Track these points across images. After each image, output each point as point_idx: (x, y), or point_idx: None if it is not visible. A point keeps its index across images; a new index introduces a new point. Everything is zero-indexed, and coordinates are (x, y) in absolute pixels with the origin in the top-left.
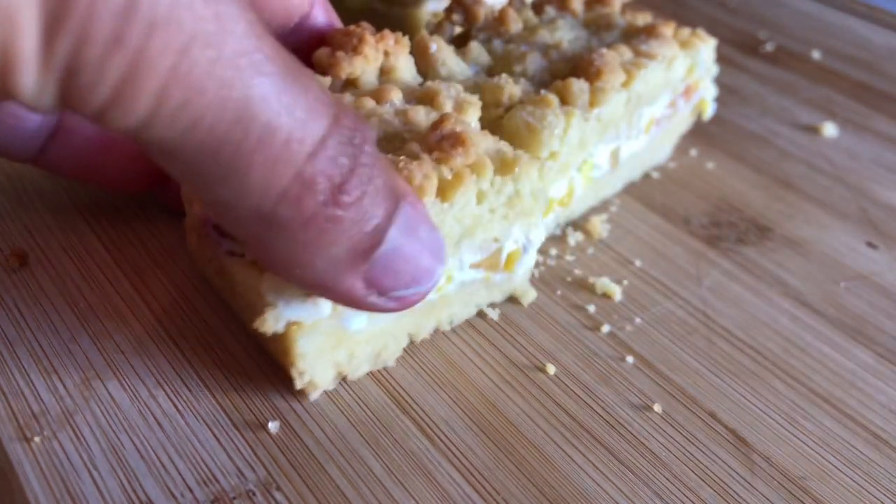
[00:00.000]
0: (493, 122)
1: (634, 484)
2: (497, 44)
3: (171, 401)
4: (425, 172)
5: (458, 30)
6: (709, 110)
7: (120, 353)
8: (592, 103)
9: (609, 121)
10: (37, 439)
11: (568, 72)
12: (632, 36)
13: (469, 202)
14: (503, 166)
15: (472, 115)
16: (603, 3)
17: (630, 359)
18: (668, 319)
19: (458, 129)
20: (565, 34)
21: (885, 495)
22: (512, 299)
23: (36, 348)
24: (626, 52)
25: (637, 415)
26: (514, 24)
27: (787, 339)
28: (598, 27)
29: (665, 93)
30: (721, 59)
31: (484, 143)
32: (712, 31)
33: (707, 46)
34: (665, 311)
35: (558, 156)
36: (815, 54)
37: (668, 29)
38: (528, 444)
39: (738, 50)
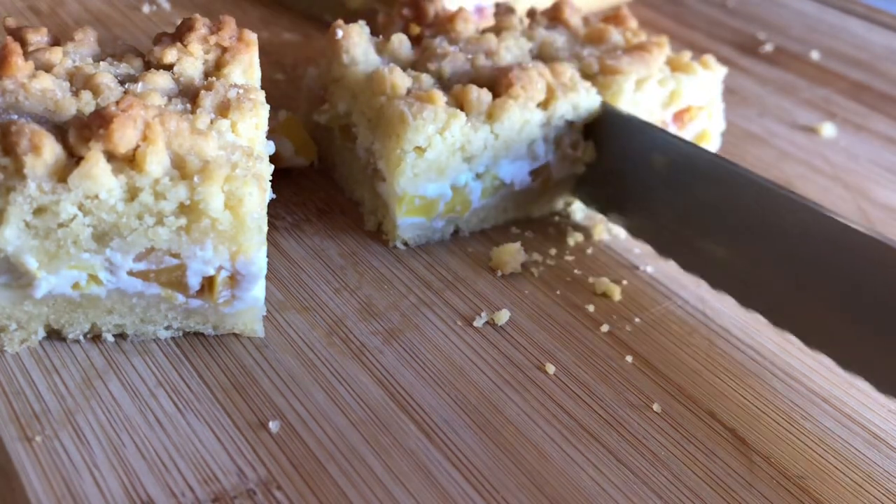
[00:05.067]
0: (377, 111)
1: (633, 483)
2: (438, 42)
3: (172, 400)
4: (36, 142)
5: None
6: (713, 143)
7: (121, 352)
8: (491, 116)
9: (511, 138)
10: (38, 439)
11: (488, 81)
12: (612, 51)
13: (109, 192)
14: (183, 172)
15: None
16: (616, 21)
17: (629, 358)
18: (667, 319)
19: (121, 112)
20: (514, 44)
21: (883, 494)
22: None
23: (37, 347)
24: (583, 68)
25: (636, 414)
26: (465, 26)
27: (786, 339)
28: (591, 42)
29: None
30: (720, 59)
31: (183, 143)
32: (712, 31)
33: (711, 74)
34: (664, 310)
35: (423, 152)
36: (815, 55)
37: (658, 49)
38: (528, 444)
39: (737, 50)
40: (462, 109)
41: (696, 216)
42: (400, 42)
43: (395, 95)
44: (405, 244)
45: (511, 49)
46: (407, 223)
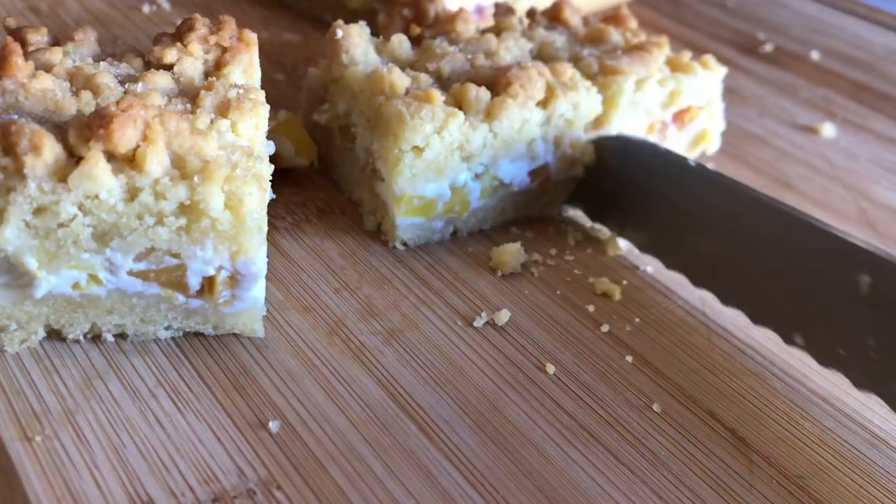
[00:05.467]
0: (376, 111)
1: (634, 483)
2: (438, 42)
3: (172, 400)
4: (37, 142)
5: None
6: (713, 143)
7: (121, 352)
8: (490, 115)
9: (511, 137)
10: (38, 438)
11: (487, 81)
12: (612, 51)
13: (109, 192)
14: (184, 172)
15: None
16: (616, 21)
17: (629, 358)
18: (667, 319)
19: (121, 112)
20: (514, 44)
21: (883, 494)
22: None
23: (37, 347)
24: (583, 68)
25: (636, 414)
26: (465, 27)
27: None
28: (591, 42)
29: (633, 117)
30: (720, 59)
31: (184, 143)
32: (712, 31)
33: (711, 74)
34: (664, 310)
35: (421, 152)
36: (815, 55)
37: (658, 49)
38: (528, 444)
39: (737, 50)
40: (461, 108)
41: (692, 228)
42: (400, 42)
43: (393, 95)
44: (405, 244)
45: (511, 49)
46: (406, 223)
